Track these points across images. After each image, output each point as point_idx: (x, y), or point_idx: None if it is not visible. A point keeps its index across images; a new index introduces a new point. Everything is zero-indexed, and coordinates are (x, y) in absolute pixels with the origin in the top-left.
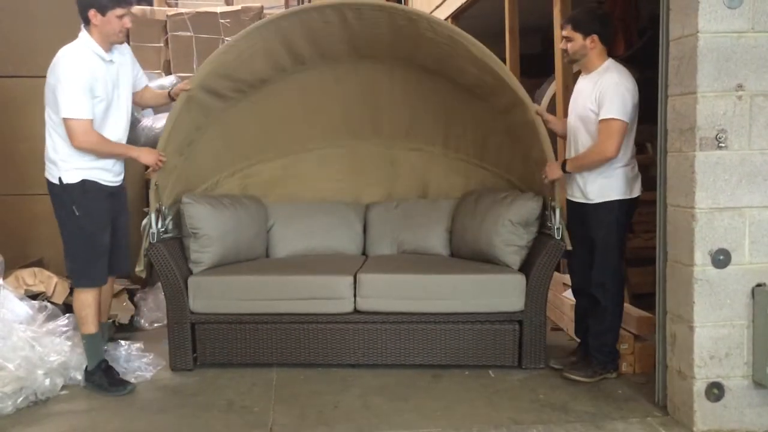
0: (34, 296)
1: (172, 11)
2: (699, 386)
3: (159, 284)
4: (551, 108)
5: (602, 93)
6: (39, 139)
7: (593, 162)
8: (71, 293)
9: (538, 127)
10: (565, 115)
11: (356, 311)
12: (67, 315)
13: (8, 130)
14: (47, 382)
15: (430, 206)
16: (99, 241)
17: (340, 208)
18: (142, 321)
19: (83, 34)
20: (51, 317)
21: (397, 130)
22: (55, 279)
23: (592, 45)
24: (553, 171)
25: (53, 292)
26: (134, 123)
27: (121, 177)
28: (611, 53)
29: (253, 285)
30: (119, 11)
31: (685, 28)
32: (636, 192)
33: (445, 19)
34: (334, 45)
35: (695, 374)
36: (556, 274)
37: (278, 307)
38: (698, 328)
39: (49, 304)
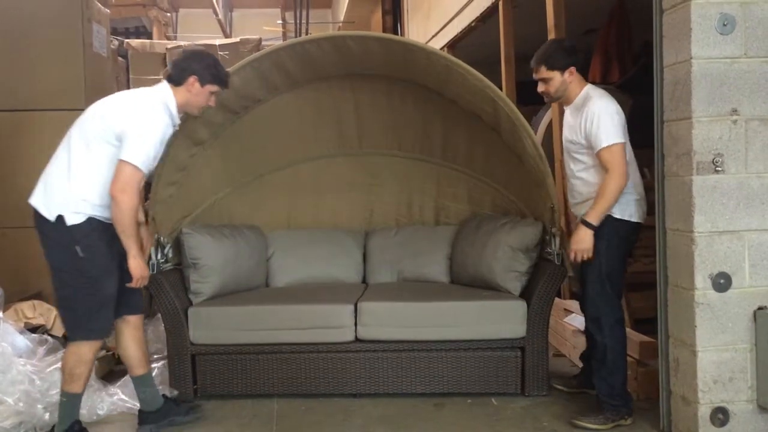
0: (33, 329)
1: (171, 44)
2: (704, 411)
3: (159, 315)
4: (548, 134)
5: (588, 124)
6: (35, 171)
7: (613, 197)
8: None
9: (538, 161)
10: (561, 143)
11: (357, 340)
12: None
13: (6, 162)
14: (47, 416)
15: (429, 233)
16: (104, 287)
17: (339, 236)
18: None
19: (167, 90)
20: (51, 350)
21: (395, 144)
22: (54, 311)
23: (570, 78)
24: (582, 241)
25: (53, 324)
26: None
27: None
28: (606, 80)
29: (254, 315)
30: (215, 88)
31: (678, 55)
32: (635, 217)
33: (441, 49)
34: (330, 68)
35: (699, 399)
36: (557, 299)
37: (279, 336)
38: (701, 352)
39: (49, 337)
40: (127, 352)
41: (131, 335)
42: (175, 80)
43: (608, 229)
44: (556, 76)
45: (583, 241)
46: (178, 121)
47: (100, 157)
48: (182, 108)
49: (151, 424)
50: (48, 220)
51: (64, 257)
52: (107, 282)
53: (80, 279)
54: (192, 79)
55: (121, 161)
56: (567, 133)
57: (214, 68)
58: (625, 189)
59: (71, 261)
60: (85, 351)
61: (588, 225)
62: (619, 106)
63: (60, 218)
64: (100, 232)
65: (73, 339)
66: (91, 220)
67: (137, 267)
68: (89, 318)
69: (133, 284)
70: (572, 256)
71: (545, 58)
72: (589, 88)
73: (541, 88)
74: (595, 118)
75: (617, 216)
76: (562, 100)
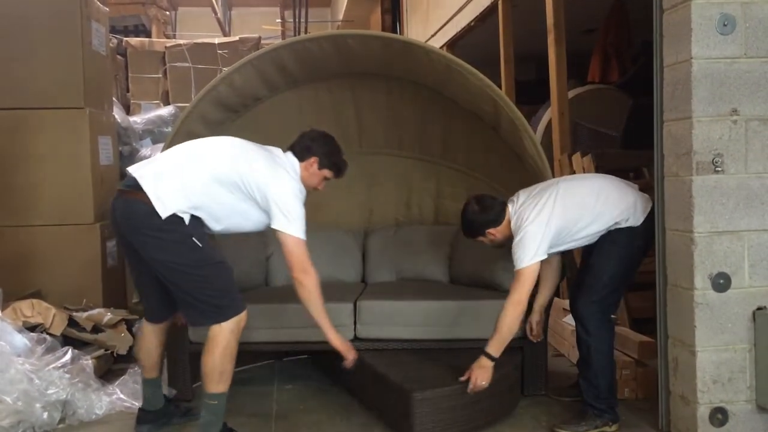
0: (32, 328)
1: (170, 43)
2: (702, 411)
3: None
4: (547, 134)
5: (515, 245)
6: (36, 170)
7: (509, 331)
8: (70, 324)
9: (537, 160)
10: (560, 143)
11: (356, 339)
12: (66, 347)
13: (3, 160)
14: (45, 415)
15: (429, 232)
16: (228, 264)
17: (338, 235)
18: None
19: (295, 162)
20: (50, 349)
21: (395, 143)
22: (53, 310)
23: (493, 236)
24: (483, 371)
25: (51, 323)
26: (132, 153)
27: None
28: (605, 80)
29: (253, 313)
30: (330, 174)
31: (679, 55)
32: (643, 215)
33: (440, 48)
34: (329, 67)
35: (698, 399)
36: (555, 299)
37: (277, 335)
38: (700, 352)
39: (47, 336)
40: (152, 354)
41: (160, 339)
42: (297, 155)
43: (624, 238)
44: (482, 240)
45: (483, 369)
46: (304, 191)
47: (224, 196)
48: (305, 182)
49: (149, 424)
50: (159, 216)
51: (183, 251)
52: (227, 261)
53: (207, 266)
54: (313, 159)
55: (286, 235)
56: None
57: (334, 155)
58: (620, 216)
59: (192, 253)
60: (239, 325)
61: (490, 357)
62: (543, 221)
63: (173, 215)
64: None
65: (225, 319)
66: (195, 218)
67: (343, 345)
68: (231, 291)
69: (347, 365)
70: (472, 382)
71: (465, 233)
72: (512, 217)
73: (482, 245)
74: (519, 243)
75: (632, 225)
76: (508, 241)
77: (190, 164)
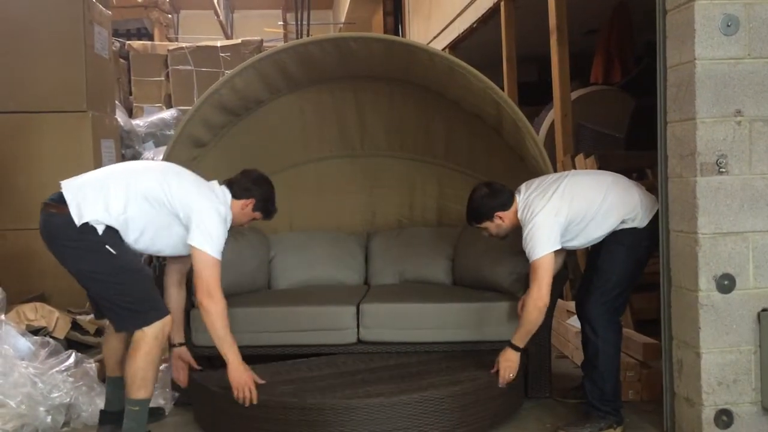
0: (35, 331)
1: (173, 46)
2: (707, 413)
3: None
4: (550, 135)
5: (525, 239)
6: (39, 173)
7: (536, 321)
8: (74, 328)
9: (540, 162)
10: (563, 144)
11: (359, 342)
12: (70, 351)
13: (6, 163)
14: (49, 419)
15: (432, 234)
16: (146, 270)
17: (341, 238)
18: None
19: (229, 197)
20: (53, 353)
21: (397, 145)
22: (56, 313)
23: (500, 220)
24: (509, 361)
25: (54, 326)
26: (135, 156)
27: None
28: (608, 80)
29: (255, 317)
30: (259, 216)
31: (682, 56)
32: (650, 216)
33: (443, 50)
34: (331, 69)
35: (703, 401)
36: (559, 301)
37: (280, 338)
38: (705, 354)
39: (51, 340)
40: (116, 352)
41: (122, 337)
42: (234, 193)
43: (631, 238)
44: (488, 225)
45: (509, 361)
46: (230, 218)
47: (147, 210)
48: (234, 219)
49: (111, 425)
50: (74, 224)
51: (98, 260)
52: (145, 268)
53: (124, 273)
54: (250, 201)
55: (201, 253)
56: None
57: (270, 202)
58: (627, 215)
59: (107, 261)
60: (163, 330)
61: (515, 348)
62: (552, 211)
63: (86, 224)
64: (120, 238)
65: (146, 324)
66: (110, 228)
67: (239, 377)
68: (151, 297)
69: (236, 396)
70: (501, 376)
71: (471, 217)
72: (521, 207)
73: (485, 233)
74: (530, 234)
75: (638, 226)
76: (511, 232)
77: (117, 177)
